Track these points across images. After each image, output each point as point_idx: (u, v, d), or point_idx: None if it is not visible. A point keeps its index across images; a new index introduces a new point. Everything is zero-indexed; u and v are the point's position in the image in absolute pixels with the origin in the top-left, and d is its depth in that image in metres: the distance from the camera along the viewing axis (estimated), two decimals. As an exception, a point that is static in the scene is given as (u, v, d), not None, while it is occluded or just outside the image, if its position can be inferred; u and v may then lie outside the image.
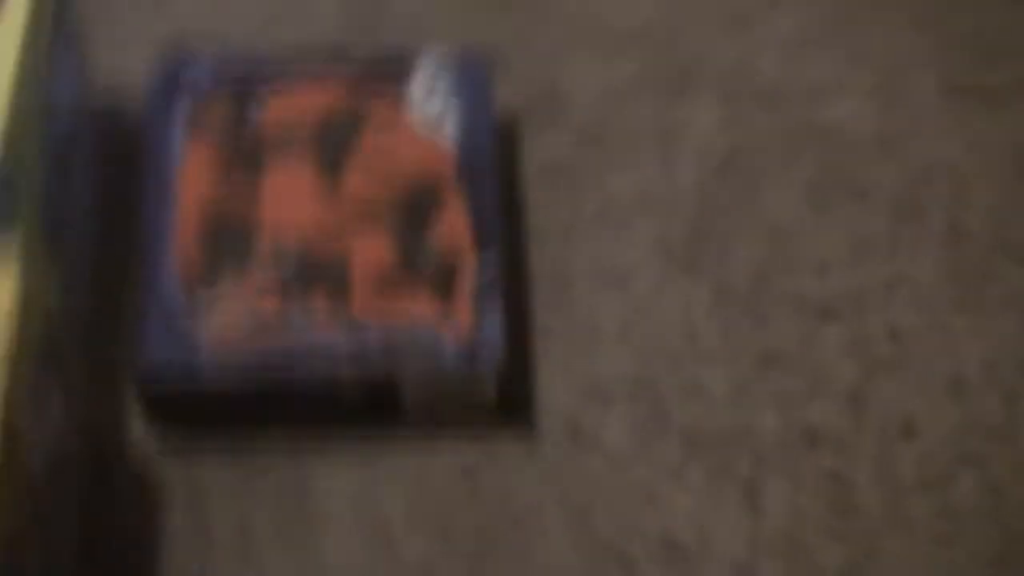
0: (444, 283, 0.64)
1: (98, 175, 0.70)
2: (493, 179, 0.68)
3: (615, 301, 0.68)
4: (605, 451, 0.64)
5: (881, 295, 0.69)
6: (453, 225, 0.66)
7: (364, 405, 0.62)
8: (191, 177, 0.66)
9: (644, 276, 0.69)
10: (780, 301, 0.69)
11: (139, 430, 0.64)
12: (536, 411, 0.65)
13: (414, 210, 0.67)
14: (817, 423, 0.64)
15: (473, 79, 0.70)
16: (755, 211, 0.72)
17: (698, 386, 0.66)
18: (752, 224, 0.71)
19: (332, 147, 0.67)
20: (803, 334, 0.68)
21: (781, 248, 0.71)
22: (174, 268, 0.63)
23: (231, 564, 0.60)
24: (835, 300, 0.69)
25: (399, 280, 0.64)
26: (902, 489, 0.62)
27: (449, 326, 0.63)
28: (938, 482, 0.63)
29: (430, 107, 0.69)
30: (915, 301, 0.69)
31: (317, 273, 0.64)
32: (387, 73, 0.70)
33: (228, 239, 0.64)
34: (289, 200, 0.66)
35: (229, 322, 0.62)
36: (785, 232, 0.71)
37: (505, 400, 0.64)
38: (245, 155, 0.67)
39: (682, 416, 0.65)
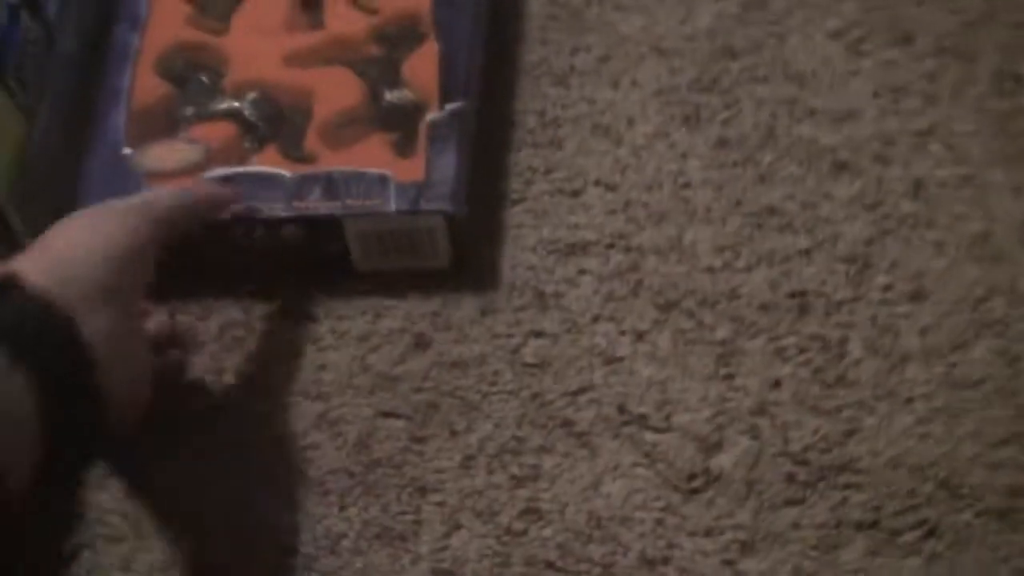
0: (403, 128, 0.60)
1: (87, 23, 0.68)
2: (474, 26, 0.63)
3: (604, 151, 0.62)
4: (568, 311, 0.57)
5: (909, 147, 0.60)
6: (423, 71, 0.62)
7: (307, 246, 0.58)
8: (165, 11, 0.65)
9: (640, 126, 0.62)
10: (789, 153, 0.60)
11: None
12: (499, 263, 0.59)
13: (387, 52, 0.63)
14: (811, 286, 0.56)
15: None
16: (777, 56, 0.64)
17: (681, 245, 0.58)
18: (771, 70, 0.63)
19: None
20: (810, 189, 0.59)
21: (800, 96, 0.62)
22: (130, 97, 0.62)
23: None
24: (854, 152, 0.60)
25: (359, 122, 0.60)
26: (901, 358, 0.54)
27: (399, 168, 0.58)
28: (946, 350, 0.54)
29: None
30: (948, 154, 0.59)
31: (277, 109, 0.61)
32: None
33: (192, 69, 0.63)
34: (262, 32, 0.63)
35: (175, 151, 0.60)
36: (808, 79, 0.63)
37: (466, 254, 0.59)
38: None
39: (658, 277, 0.58)
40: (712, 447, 0.53)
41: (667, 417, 0.54)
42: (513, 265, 0.59)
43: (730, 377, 0.54)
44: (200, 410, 0.57)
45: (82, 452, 0.49)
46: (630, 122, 0.63)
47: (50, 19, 0.65)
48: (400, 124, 0.60)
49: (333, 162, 0.59)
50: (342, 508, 0.54)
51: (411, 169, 0.58)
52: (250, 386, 0.58)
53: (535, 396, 0.55)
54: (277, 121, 0.61)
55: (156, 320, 0.56)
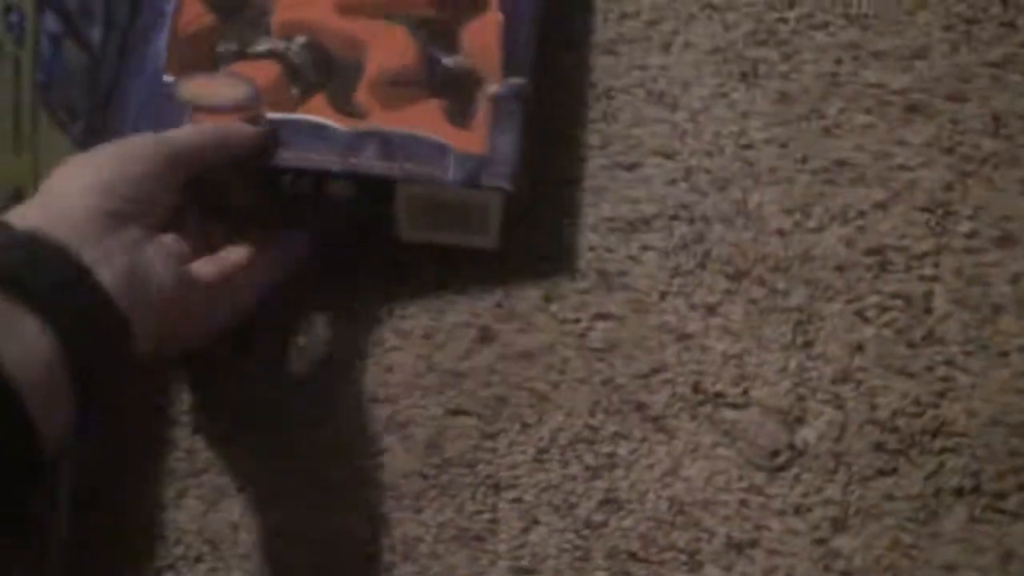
0: (458, 97, 0.57)
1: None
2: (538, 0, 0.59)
3: (660, 119, 0.59)
4: (634, 290, 0.55)
5: (986, 81, 0.56)
6: (483, 40, 0.58)
7: (353, 206, 0.55)
8: None
9: (696, 88, 0.59)
10: (856, 101, 0.57)
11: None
12: (559, 246, 0.57)
13: (445, 16, 0.59)
14: (889, 240, 0.53)
15: None
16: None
17: (748, 210, 0.56)
18: (830, 14, 0.60)
19: None
20: (881, 137, 0.56)
21: (864, 39, 0.59)
22: (175, 23, 0.59)
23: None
24: (926, 93, 0.56)
25: (412, 83, 0.57)
26: (993, 309, 0.50)
27: (457, 138, 0.55)
28: (1040, 299, 0.50)
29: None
30: (1029, 83, 0.55)
31: (327, 59, 0.58)
32: None
33: (239, 8, 0.59)
34: None
35: (221, 86, 0.57)
36: (870, 19, 0.59)
37: (515, 236, 0.57)
38: None
39: (726, 246, 0.55)
40: (795, 421, 0.50)
41: (745, 392, 0.51)
42: (574, 247, 0.57)
43: (809, 345, 0.52)
44: (268, 421, 0.56)
45: (113, 381, 0.44)
46: (685, 86, 0.60)
47: (95, 46, 0.64)
48: (455, 92, 0.57)
49: (385, 120, 0.56)
50: (417, 511, 0.53)
51: (470, 141, 0.55)
52: (316, 394, 0.56)
53: (606, 382, 0.53)
54: (326, 69, 0.57)
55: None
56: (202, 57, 0.58)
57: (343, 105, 0.56)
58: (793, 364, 0.51)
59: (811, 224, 0.54)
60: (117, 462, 0.56)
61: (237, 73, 0.57)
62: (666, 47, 0.61)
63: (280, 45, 0.58)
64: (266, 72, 0.57)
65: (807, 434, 0.50)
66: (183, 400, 0.57)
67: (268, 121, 0.55)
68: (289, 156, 0.54)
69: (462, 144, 0.55)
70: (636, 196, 0.57)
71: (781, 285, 0.53)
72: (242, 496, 0.55)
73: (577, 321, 0.55)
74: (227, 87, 0.56)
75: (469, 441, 0.54)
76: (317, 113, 0.56)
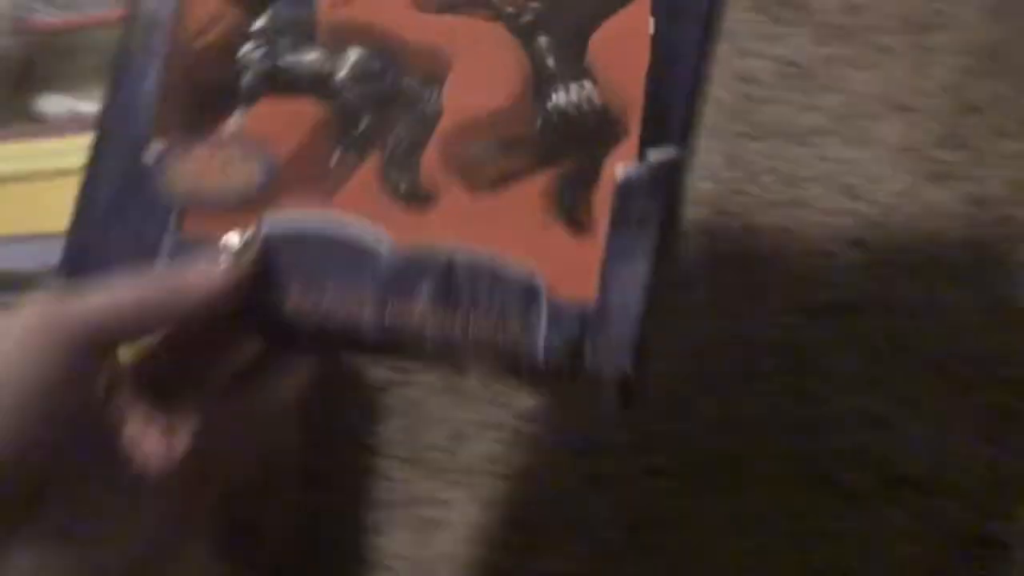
0: (576, 158, 0.37)
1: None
2: (703, 30, 0.39)
3: (852, 209, 0.63)
4: (829, 373, 0.58)
5: None
6: (623, 54, 0.38)
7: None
8: None
9: (885, 185, 0.63)
10: (1044, 210, 0.61)
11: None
12: (755, 326, 0.60)
13: (572, 36, 0.39)
14: (1085, 345, 0.57)
15: None
16: (1021, 108, 0.64)
17: (942, 304, 0.59)
18: (1011, 122, 0.63)
19: None
20: (1071, 246, 0.59)
21: (1049, 150, 0.62)
22: (173, 38, 0.40)
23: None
24: (1112, 209, 0.60)
25: (513, 144, 0.37)
26: None
27: (559, 262, 0.35)
28: None
29: None
30: None
31: (391, 82, 0.39)
32: None
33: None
34: None
35: (224, 166, 0.38)
36: (1054, 132, 0.63)
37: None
38: None
39: (920, 337, 0.58)
40: (989, 512, 0.53)
41: (939, 479, 0.55)
42: (769, 328, 0.60)
43: (1005, 440, 0.55)
44: (479, 463, 0.59)
45: None
46: (870, 180, 0.63)
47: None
48: (569, 149, 0.36)
49: (460, 211, 0.36)
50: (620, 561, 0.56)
51: (579, 267, 0.35)
52: (524, 443, 0.59)
53: (803, 457, 0.56)
54: (389, 109, 0.39)
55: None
56: (212, 90, 0.40)
57: (402, 180, 0.38)
58: (987, 456, 0.55)
59: (1001, 323, 0.58)
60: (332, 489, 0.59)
61: (250, 137, 0.39)
62: (850, 138, 0.64)
63: (326, 63, 0.40)
64: (299, 122, 0.39)
65: (1002, 526, 0.53)
66: (391, 432, 0.60)
67: (262, 240, 0.37)
68: (297, 300, 0.37)
69: (562, 281, 0.35)
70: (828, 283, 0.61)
71: (976, 380, 0.57)
72: (448, 529, 0.58)
73: (774, 397, 0.58)
74: (234, 169, 0.39)
75: (667, 501, 0.57)
76: (359, 202, 0.38)
